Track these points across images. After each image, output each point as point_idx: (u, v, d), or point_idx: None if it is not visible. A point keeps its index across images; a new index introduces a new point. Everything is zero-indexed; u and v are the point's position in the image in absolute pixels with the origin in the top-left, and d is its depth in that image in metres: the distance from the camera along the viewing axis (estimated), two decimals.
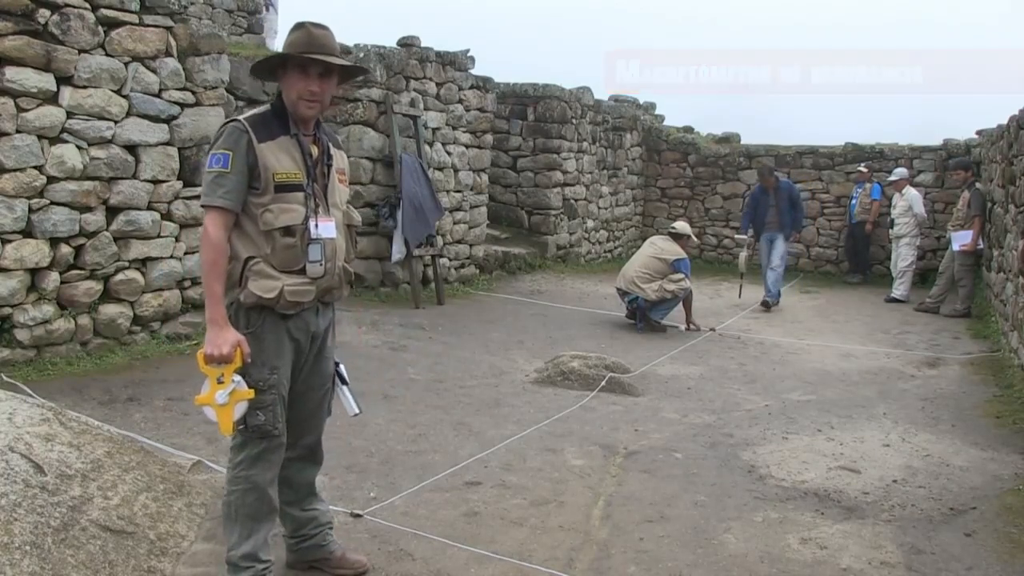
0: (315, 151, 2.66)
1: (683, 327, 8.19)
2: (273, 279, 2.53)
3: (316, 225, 2.58)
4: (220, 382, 2.47)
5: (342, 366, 2.89)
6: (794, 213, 9.80)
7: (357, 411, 2.88)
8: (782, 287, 10.05)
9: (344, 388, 2.87)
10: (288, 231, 2.54)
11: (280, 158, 2.55)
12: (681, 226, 8.43)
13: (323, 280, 2.63)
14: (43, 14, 5.01)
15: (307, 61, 2.54)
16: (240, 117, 2.58)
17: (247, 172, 2.51)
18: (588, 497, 3.78)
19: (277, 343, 2.59)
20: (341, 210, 2.75)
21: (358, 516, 3.38)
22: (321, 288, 2.64)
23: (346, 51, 8.57)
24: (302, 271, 2.58)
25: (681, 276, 7.94)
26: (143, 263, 5.74)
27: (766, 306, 9.59)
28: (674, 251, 8.06)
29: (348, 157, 9.27)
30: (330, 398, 2.88)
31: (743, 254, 9.87)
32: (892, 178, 11.08)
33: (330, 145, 2.74)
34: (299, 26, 2.62)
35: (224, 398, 2.47)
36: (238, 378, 2.48)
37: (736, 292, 10.21)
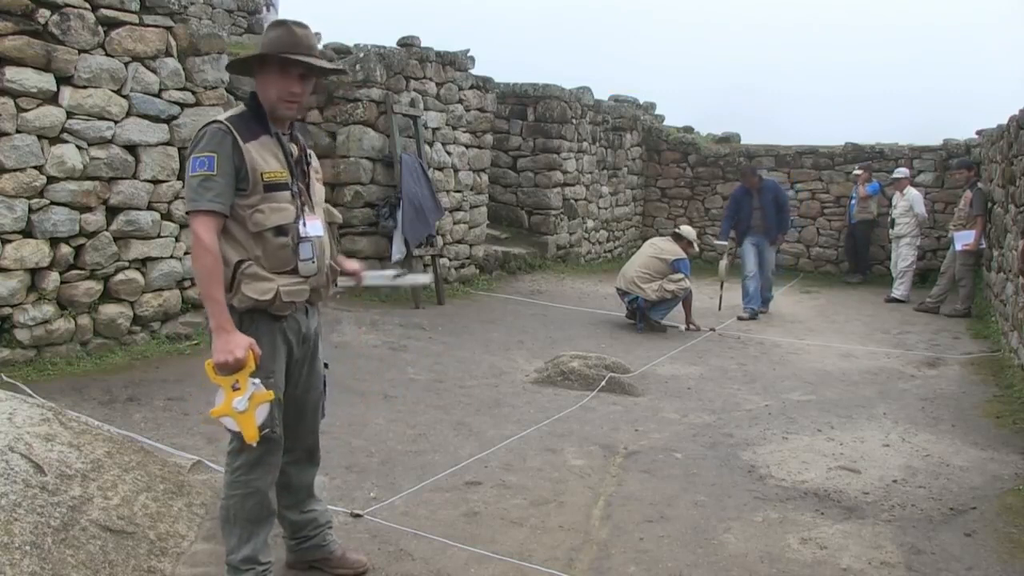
0: (295, 150, 2.65)
1: (683, 327, 8.19)
2: (268, 280, 2.51)
3: (304, 223, 2.57)
4: (236, 389, 2.41)
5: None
6: (780, 215, 9.23)
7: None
8: (775, 291, 9.71)
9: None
10: (281, 230, 2.53)
11: (266, 158, 2.53)
12: (687, 231, 8.36)
13: (315, 278, 2.63)
14: (43, 14, 5.01)
15: (288, 62, 2.51)
16: (220, 118, 2.53)
17: (234, 174, 2.46)
18: (588, 497, 3.78)
19: (272, 346, 2.58)
20: (321, 207, 2.75)
21: (358, 516, 3.38)
22: (312, 287, 2.64)
23: (346, 51, 8.58)
24: (294, 271, 2.57)
25: (681, 276, 7.94)
26: (143, 263, 5.74)
27: (757, 315, 9.06)
28: (674, 251, 8.06)
29: (348, 157, 9.21)
30: (324, 399, 2.87)
31: (723, 261, 9.21)
32: (895, 176, 11.05)
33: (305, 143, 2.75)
34: (279, 24, 2.58)
35: (244, 404, 2.40)
36: (256, 381, 2.43)
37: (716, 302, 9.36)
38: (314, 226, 2.61)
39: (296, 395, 2.74)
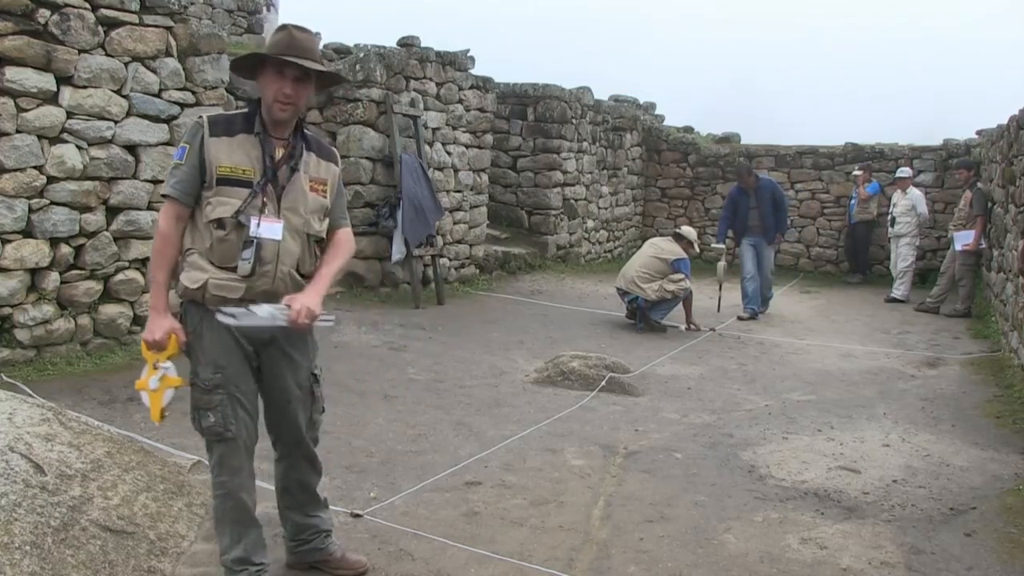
0: (280, 152, 2.61)
1: (683, 327, 8.18)
2: (201, 271, 2.54)
3: (258, 224, 2.52)
4: (155, 368, 2.54)
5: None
6: (778, 215, 9.07)
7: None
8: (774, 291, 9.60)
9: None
10: (219, 224, 2.53)
11: (232, 153, 2.55)
12: (687, 231, 8.34)
13: (254, 280, 2.54)
14: (43, 14, 5.01)
15: (283, 63, 2.54)
16: (205, 113, 2.65)
17: (199, 165, 2.54)
18: (588, 497, 3.78)
19: (220, 342, 2.57)
20: (302, 217, 2.61)
21: (358, 516, 3.39)
22: (254, 289, 2.55)
23: (346, 51, 8.57)
24: (236, 268, 2.55)
25: (681, 276, 7.93)
26: (143, 263, 5.73)
27: (757, 315, 8.99)
28: (674, 251, 8.05)
29: (348, 157, 9.09)
30: (312, 408, 2.81)
31: (721, 263, 9.06)
32: (898, 175, 11.03)
33: (306, 152, 2.66)
34: (282, 28, 2.64)
35: (156, 384, 2.55)
36: (168, 364, 2.54)
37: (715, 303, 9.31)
38: (269, 228, 2.54)
39: (279, 403, 2.73)
